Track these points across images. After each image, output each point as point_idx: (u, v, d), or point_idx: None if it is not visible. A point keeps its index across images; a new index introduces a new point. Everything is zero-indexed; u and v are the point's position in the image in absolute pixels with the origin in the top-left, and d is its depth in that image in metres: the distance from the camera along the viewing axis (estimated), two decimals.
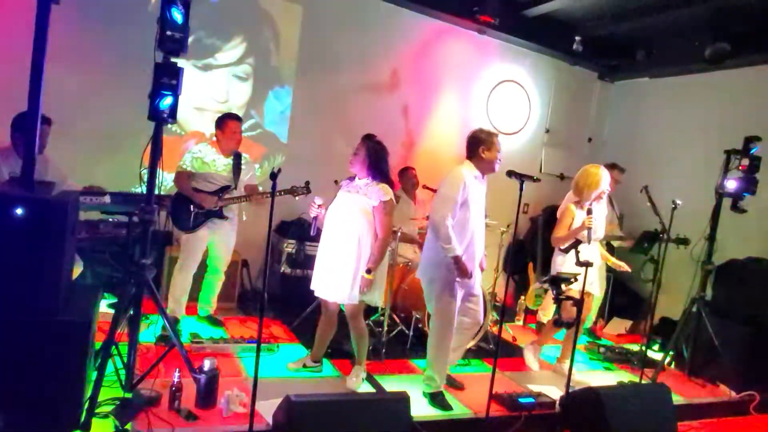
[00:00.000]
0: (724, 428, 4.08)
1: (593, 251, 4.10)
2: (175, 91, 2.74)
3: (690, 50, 5.56)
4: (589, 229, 3.89)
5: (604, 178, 4.04)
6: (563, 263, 4.01)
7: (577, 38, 6.04)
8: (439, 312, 3.54)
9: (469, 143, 3.58)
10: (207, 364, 3.03)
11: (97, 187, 3.80)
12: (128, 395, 2.91)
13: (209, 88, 5.08)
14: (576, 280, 3.51)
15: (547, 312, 5.41)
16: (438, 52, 6.05)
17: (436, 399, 3.52)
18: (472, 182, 3.47)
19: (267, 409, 2.95)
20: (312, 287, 3.61)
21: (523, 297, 5.86)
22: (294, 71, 5.41)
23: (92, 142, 4.62)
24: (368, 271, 3.41)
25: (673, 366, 4.90)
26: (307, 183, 3.99)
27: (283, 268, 5.05)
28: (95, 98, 4.65)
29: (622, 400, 3.43)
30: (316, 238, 4.80)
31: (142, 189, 4.69)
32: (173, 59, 2.79)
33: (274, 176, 2.62)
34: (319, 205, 3.58)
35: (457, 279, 3.44)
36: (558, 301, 3.49)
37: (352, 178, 3.60)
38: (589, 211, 3.92)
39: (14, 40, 3.51)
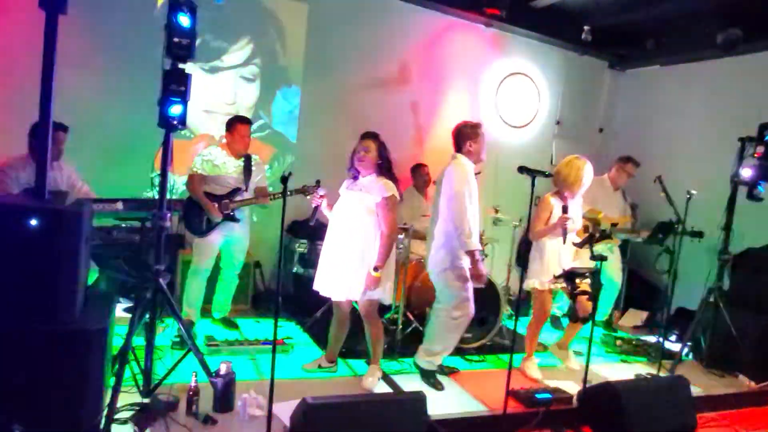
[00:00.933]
0: (744, 419, 4.03)
1: (569, 250, 4.02)
2: (184, 97, 2.74)
3: (701, 37, 5.47)
4: (565, 228, 3.83)
5: (586, 172, 3.97)
6: (543, 258, 4.00)
7: (586, 28, 5.97)
8: (457, 301, 3.66)
9: (456, 138, 3.74)
10: (223, 368, 3.04)
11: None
12: (146, 400, 2.93)
13: (217, 90, 5.09)
14: (591, 274, 3.48)
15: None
16: (445, 47, 6.01)
17: (430, 377, 3.71)
18: (471, 174, 3.67)
19: (284, 411, 2.95)
20: (316, 287, 3.61)
21: None
22: (301, 70, 5.40)
23: (104, 148, 4.65)
24: (375, 269, 3.40)
25: (690, 357, 4.85)
26: (318, 182, 3.97)
27: (295, 269, 5.06)
28: (106, 105, 4.67)
29: (640, 394, 3.41)
30: None
31: (153, 193, 4.73)
32: (181, 65, 2.78)
33: (284, 180, 2.61)
34: (321, 195, 3.60)
35: (471, 275, 3.59)
36: (573, 296, 3.47)
37: (355, 177, 3.58)
38: (565, 209, 3.84)
39: (29, 50, 3.55)
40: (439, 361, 3.83)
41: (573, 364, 4.32)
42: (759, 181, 4.42)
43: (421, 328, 4.52)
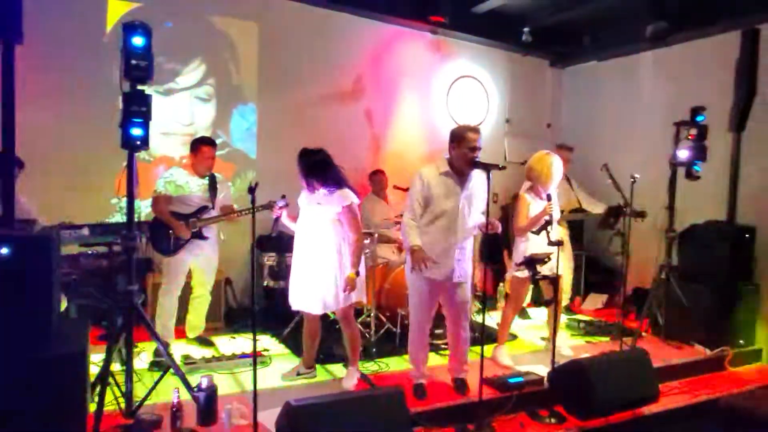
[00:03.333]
0: (703, 384, 4.30)
1: (555, 233, 4.16)
2: (146, 117, 2.80)
3: (632, 31, 5.83)
4: (550, 215, 3.94)
5: (556, 166, 4.05)
6: (527, 248, 4.07)
7: (526, 30, 6.27)
8: (410, 305, 3.67)
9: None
10: (204, 382, 3.08)
11: (68, 222, 3.80)
12: (130, 422, 2.94)
13: (173, 112, 5.11)
14: (549, 259, 3.68)
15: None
16: (395, 56, 6.21)
17: (416, 391, 3.61)
18: (434, 178, 3.47)
19: (268, 418, 3.01)
20: (293, 303, 3.67)
21: (502, 284, 6.02)
22: (255, 88, 5.49)
23: (61, 176, 4.63)
24: (357, 274, 3.50)
25: (649, 332, 5.12)
26: (283, 196, 4.03)
27: (266, 282, 5.11)
28: (60, 133, 4.65)
29: (606, 369, 3.59)
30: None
31: (115, 218, 4.72)
32: (140, 87, 2.84)
33: (252, 190, 2.71)
34: (280, 207, 3.67)
35: (421, 269, 3.39)
36: (535, 281, 3.65)
37: (309, 191, 3.57)
38: (549, 197, 3.98)
39: None
40: (417, 374, 3.71)
41: (567, 351, 4.39)
42: (695, 161, 4.75)
43: (394, 329, 4.64)
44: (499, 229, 3.50)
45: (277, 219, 3.69)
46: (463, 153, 3.43)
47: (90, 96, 4.74)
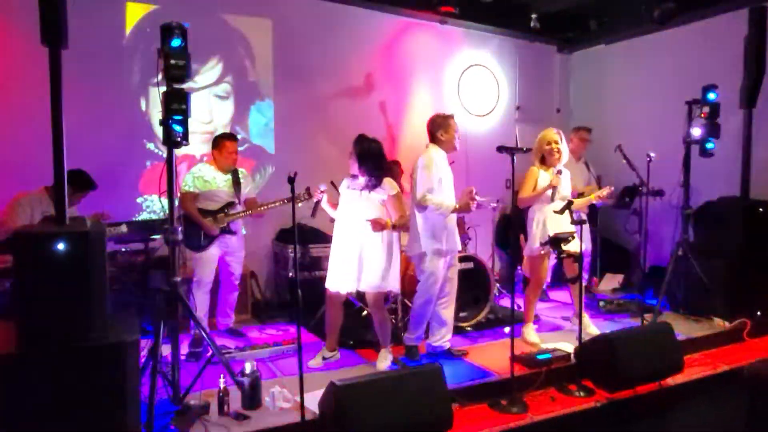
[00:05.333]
0: (723, 356, 4.40)
1: (564, 217, 4.25)
2: (185, 115, 2.90)
3: (639, 13, 5.88)
4: (555, 187, 4.10)
5: (546, 134, 4.28)
6: (541, 228, 4.18)
7: (533, 16, 6.33)
8: (426, 275, 3.86)
9: (429, 129, 3.96)
10: (248, 368, 3.19)
11: (100, 214, 3.91)
12: (178, 408, 3.05)
13: (193, 110, 5.13)
14: (574, 238, 3.78)
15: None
16: (406, 47, 6.29)
17: (410, 351, 3.97)
18: (440, 162, 3.87)
19: (309, 400, 3.11)
20: (331, 286, 3.77)
21: (520, 267, 6.11)
22: (272, 84, 5.58)
23: None
24: (394, 227, 3.66)
25: (668, 309, 5.22)
26: (308, 188, 4.12)
27: (290, 273, 5.21)
28: (83, 136, 4.72)
29: (631, 342, 3.69)
30: (319, 240, 5.01)
31: (141, 217, 4.81)
32: (177, 86, 2.94)
33: (291, 180, 2.80)
34: (321, 191, 3.80)
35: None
36: (560, 259, 3.75)
37: (354, 176, 3.77)
38: (559, 172, 4.16)
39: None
40: (414, 337, 4.02)
41: (592, 330, 4.44)
42: (708, 138, 4.83)
43: None
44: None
45: (318, 203, 3.80)
46: (452, 136, 3.91)
47: (111, 98, 4.84)
